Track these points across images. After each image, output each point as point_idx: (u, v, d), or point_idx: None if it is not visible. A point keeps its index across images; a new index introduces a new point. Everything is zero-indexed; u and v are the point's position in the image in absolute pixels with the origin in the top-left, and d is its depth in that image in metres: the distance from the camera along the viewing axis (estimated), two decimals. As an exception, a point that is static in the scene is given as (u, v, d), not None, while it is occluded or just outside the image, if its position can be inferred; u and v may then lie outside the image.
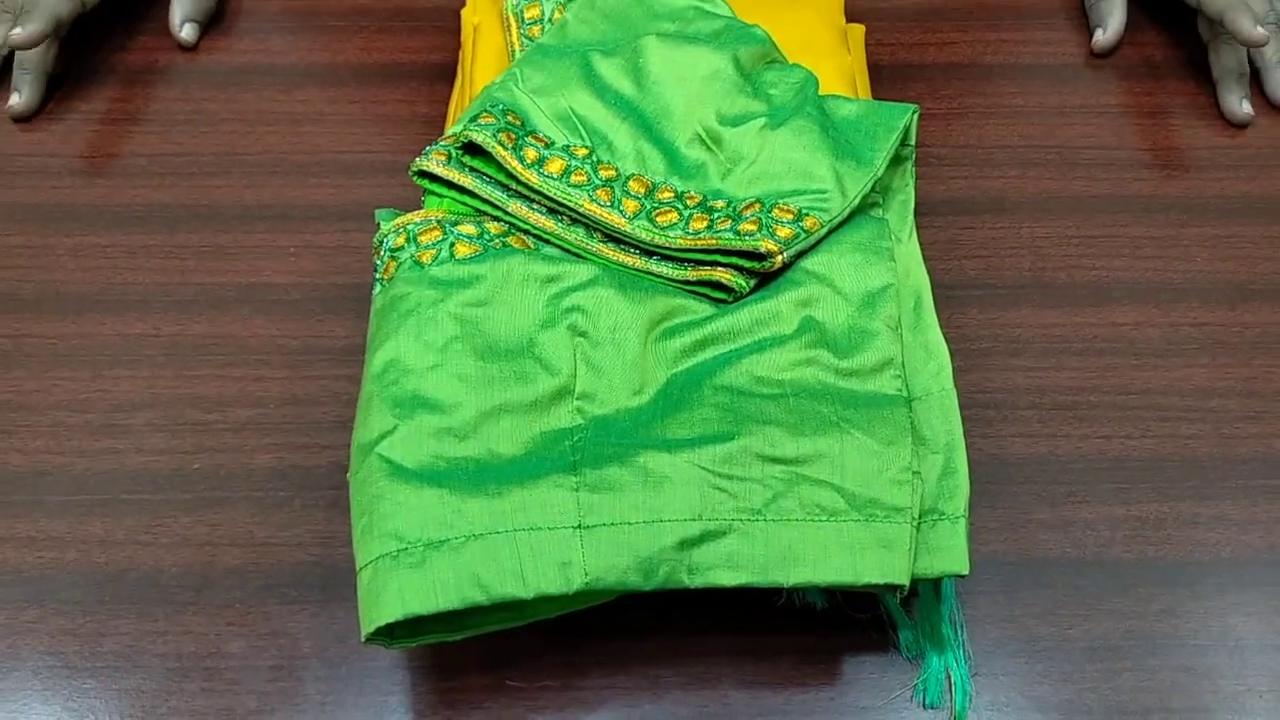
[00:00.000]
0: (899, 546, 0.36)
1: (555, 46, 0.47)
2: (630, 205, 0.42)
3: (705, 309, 0.41)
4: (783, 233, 0.41)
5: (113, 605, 0.41)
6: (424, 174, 0.43)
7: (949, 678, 0.39)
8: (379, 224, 0.42)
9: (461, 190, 0.43)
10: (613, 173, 0.43)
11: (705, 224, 0.42)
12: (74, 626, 0.40)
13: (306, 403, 0.45)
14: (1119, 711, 0.39)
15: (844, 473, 0.36)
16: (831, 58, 0.50)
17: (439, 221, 0.42)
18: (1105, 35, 0.56)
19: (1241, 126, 0.54)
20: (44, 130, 0.54)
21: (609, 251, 0.42)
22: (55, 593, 0.41)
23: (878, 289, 0.40)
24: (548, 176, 0.42)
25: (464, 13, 0.53)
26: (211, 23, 0.58)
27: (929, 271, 0.43)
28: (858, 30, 0.54)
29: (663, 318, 0.40)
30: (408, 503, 0.35)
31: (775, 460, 0.36)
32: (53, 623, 0.40)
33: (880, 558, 0.36)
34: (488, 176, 0.43)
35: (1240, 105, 0.54)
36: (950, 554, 0.37)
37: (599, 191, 0.42)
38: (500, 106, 0.44)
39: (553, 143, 0.44)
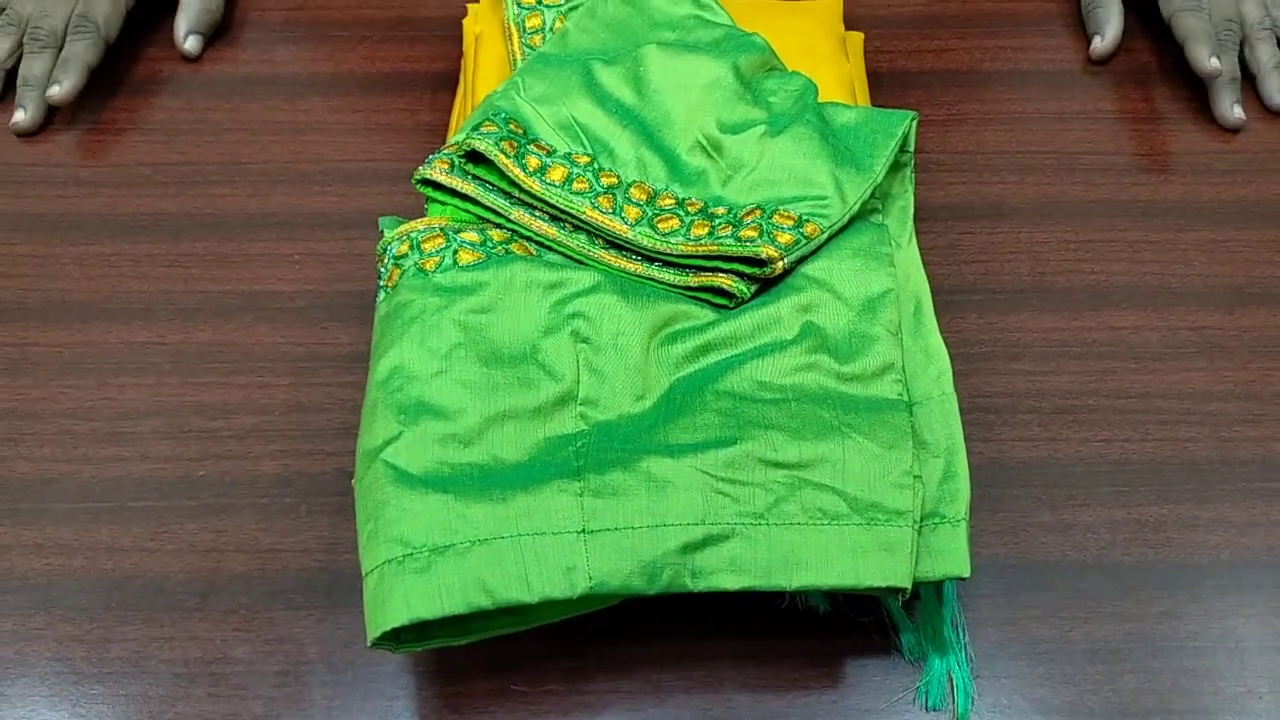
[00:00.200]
0: (901, 550, 0.36)
1: (557, 55, 0.48)
2: (632, 212, 0.43)
3: (707, 315, 0.41)
4: (783, 239, 0.41)
5: (119, 611, 0.41)
6: (427, 182, 0.44)
7: (951, 680, 0.39)
8: (383, 232, 0.43)
9: (464, 198, 0.43)
10: (614, 180, 0.44)
11: (706, 230, 0.42)
12: (81, 633, 0.40)
13: (311, 409, 0.46)
14: (1120, 713, 0.39)
15: (846, 477, 0.37)
16: (831, 65, 0.50)
17: (442, 229, 0.42)
18: (1103, 42, 0.57)
19: (1234, 131, 0.54)
20: (49, 140, 0.55)
21: (611, 258, 0.42)
22: (62, 599, 0.41)
23: (878, 294, 0.40)
24: (550, 184, 0.43)
25: (466, 22, 0.54)
26: (215, 34, 0.58)
27: (929, 276, 0.44)
28: (856, 38, 0.55)
29: (665, 323, 0.41)
30: (413, 508, 0.36)
31: (777, 465, 0.37)
32: (60, 629, 0.40)
33: (882, 561, 0.36)
34: (490, 184, 0.43)
35: (1232, 110, 0.54)
36: (951, 557, 0.37)
37: (601, 199, 0.43)
38: (502, 115, 0.44)
39: (555, 150, 0.44)
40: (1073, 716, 0.39)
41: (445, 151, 0.44)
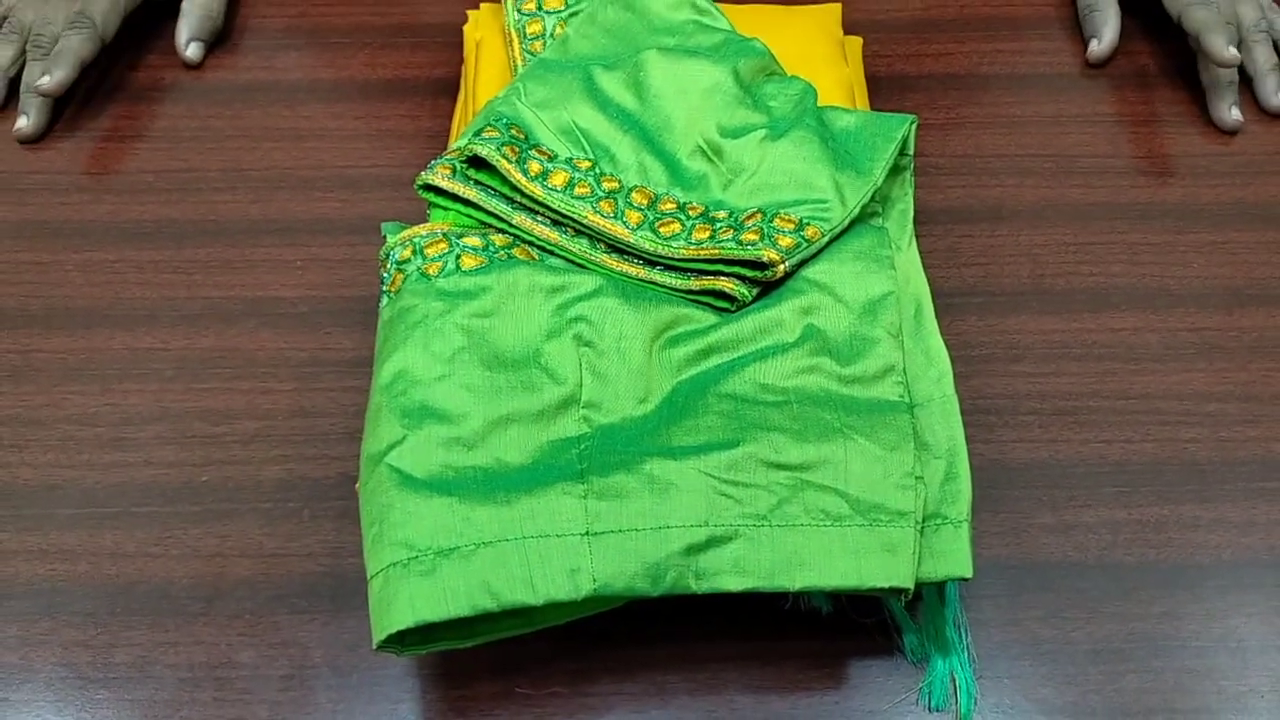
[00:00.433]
0: (903, 550, 0.36)
1: (557, 61, 0.48)
2: (633, 216, 0.43)
3: (709, 318, 0.41)
4: (784, 242, 0.41)
5: (124, 617, 0.41)
6: (429, 187, 0.44)
7: (954, 681, 0.39)
8: (385, 237, 0.43)
9: (466, 203, 0.44)
10: (615, 185, 0.44)
11: (708, 234, 0.42)
12: (86, 638, 0.41)
13: (314, 414, 0.46)
14: (1123, 713, 0.39)
15: (848, 478, 0.37)
16: (830, 70, 0.50)
17: (445, 234, 0.42)
18: (1100, 45, 0.57)
19: (1231, 133, 0.55)
20: (52, 148, 0.55)
21: (613, 262, 0.42)
22: (67, 605, 0.41)
23: (879, 297, 0.41)
24: (551, 189, 0.43)
25: (466, 29, 0.54)
26: (216, 41, 0.59)
27: (929, 279, 0.44)
28: (855, 42, 0.55)
29: (667, 327, 0.41)
30: (417, 511, 0.36)
31: (780, 466, 0.37)
32: (65, 634, 0.41)
33: (885, 562, 0.36)
34: (492, 189, 0.43)
35: (1230, 112, 0.54)
36: (954, 558, 0.37)
37: (602, 203, 0.43)
38: (504, 120, 0.45)
39: (556, 156, 0.44)
40: (1075, 717, 0.39)
41: (447, 157, 0.44)
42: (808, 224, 0.42)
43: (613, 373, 0.39)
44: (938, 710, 0.39)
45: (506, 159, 0.43)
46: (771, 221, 0.42)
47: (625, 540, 0.35)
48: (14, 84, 0.56)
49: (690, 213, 0.43)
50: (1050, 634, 0.40)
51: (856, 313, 0.40)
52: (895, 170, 0.46)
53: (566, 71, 0.47)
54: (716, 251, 0.41)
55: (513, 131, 0.44)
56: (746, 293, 0.41)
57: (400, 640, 0.35)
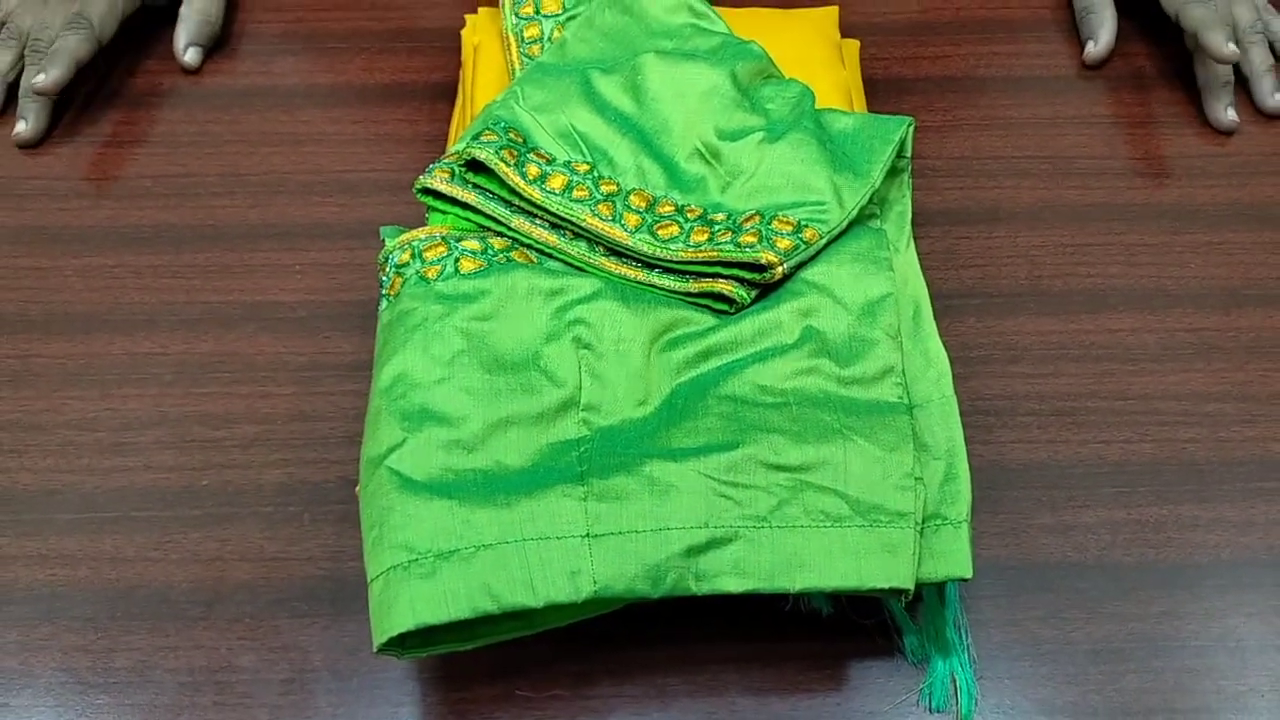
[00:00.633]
0: (903, 551, 0.36)
1: (555, 65, 0.48)
2: (631, 219, 0.43)
3: (707, 320, 0.41)
4: (782, 244, 0.41)
5: (124, 621, 0.41)
6: (428, 191, 0.44)
7: (954, 681, 0.39)
8: (384, 241, 0.43)
9: (465, 207, 0.44)
10: (614, 188, 0.44)
11: (706, 236, 0.42)
12: (86, 643, 0.40)
13: (314, 418, 0.46)
14: (1123, 713, 0.39)
15: (848, 479, 0.37)
16: (827, 72, 0.50)
17: (443, 238, 0.42)
18: (1096, 47, 0.57)
19: (1227, 134, 0.55)
20: (50, 153, 0.55)
21: (611, 265, 0.42)
22: (67, 609, 0.41)
23: (877, 298, 0.41)
24: (550, 192, 0.43)
25: (464, 33, 0.54)
26: (214, 46, 0.59)
27: (927, 281, 0.44)
28: (852, 45, 0.55)
29: (666, 329, 0.41)
30: (418, 514, 0.36)
31: (780, 468, 0.37)
32: (65, 639, 0.41)
33: (885, 562, 0.36)
34: (491, 193, 0.43)
35: (1225, 113, 0.54)
36: (953, 558, 0.37)
37: (601, 206, 0.43)
38: (502, 124, 0.45)
39: (554, 159, 0.44)
40: (1076, 717, 0.39)
41: (446, 161, 0.44)
42: (806, 226, 0.42)
43: (612, 375, 0.39)
44: (938, 711, 0.39)
45: (505, 162, 0.43)
46: (770, 224, 0.42)
47: (625, 542, 0.35)
48: (13, 90, 0.56)
49: (688, 215, 0.43)
50: (1050, 634, 0.41)
51: (855, 314, 0.40)
52: (893, 172, 0.46)
53: (564, 75, 0.47)
54: (715, 254, 0.41)
55: (511, 135, 0.44)
56: (745, 295, 0.41)
57: (401, 643, 0.36)
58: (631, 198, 0.44)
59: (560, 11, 0.51)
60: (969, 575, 0.37)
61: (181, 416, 0.46)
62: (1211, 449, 0.45)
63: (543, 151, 0.44)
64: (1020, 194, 0.53)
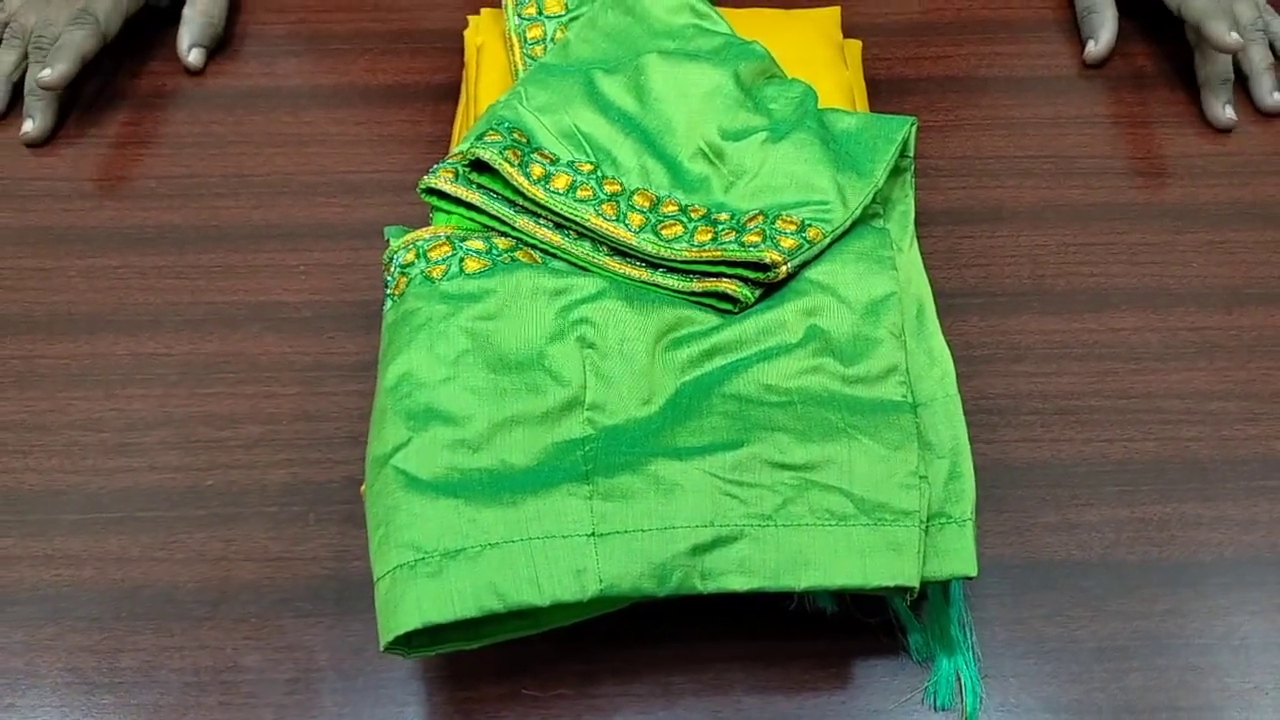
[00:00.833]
0: (908, 549, 0.36)
1: (558, 65, 0.48)
2: (635, 219, 0.43)
3: (711, 319, 0.41)
4: (786, 243, 0.41)
5: (130, 621, 0.41)
6: (432, 191, 0.44)
7: (959, 680, 0.39)
8: (389, 241, 0.43)
9: (469, 207, 0.44)
10: (618, 188, 0.44)
11: (710, 236, 0.42)
12: (91, 643, 0.41)
13: (318, 418, 0.46)
14: (1128, 711, 0.39)
15: (852, 478, 0.37)
16: (830, 73, 0.50)
17: (448, 238, 0.42)
18: (1097, 46, 0.57)
19: (1225, 132, 0.55)
20: (55, 154, 0.55)
21: (615, 265, 0.43)
22: (72, 610, 0.41)
23: (881, 297, 0.41)
24: (554, 192, 0.43)
25: (466, 34, 0.54)
26: (218, 47, 0.59)
27: (930, 280, 0.44)
28: (855, 46, 0.55)
29: (670, 328, 0.41)
30: (424, 513, 0.36)
31: (784, 466, 0.37)
32: (70, 639, 0.41)
33: (889, 561, 0.36)
34: (495, 193, 0.44)
35: (1224, 111, 0.55)
36: (958, 556, 0.37)
37: (604, 206, 0.43)
38: (506, 124, 0.45)
39: (558, 159, 0.44)
40: (1080, 715, 0.39)
41: (450, 161, 0.44)
42: (809, 225, 0.42)
43: (616, 374, 0.39)
44: (943, 709, 0.39)
45: (509, 162, 0.43)
46: (773, 223, 0.42)
47: (631, 541, 0.36)
48: (18, 90, 0.56)
49: (692, 215, 0.43)
50: (1054, 632, 0.41)
51: (859, 313, 0.40)
52: (896, 172, 0.46)
53: (567, 75, 0.47)
54: (719, 253, 0.41)
55: (515, 135, 0.44)
56: (749, 294, 0.41)
57: (407, 642, 0.36)
58: (635, 197, 0.44)
59: (563, 12, 0.51)
60: (974, 573, 0.37)
61: (186, 417, 0.46)
62: (1215, 447, 0.45)
63: (546, 152, 0.44)
64: (1023, 193, 0.53)
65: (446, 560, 0.35)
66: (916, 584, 0.36)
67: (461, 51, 0.55)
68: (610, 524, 0.36)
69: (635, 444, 0.38)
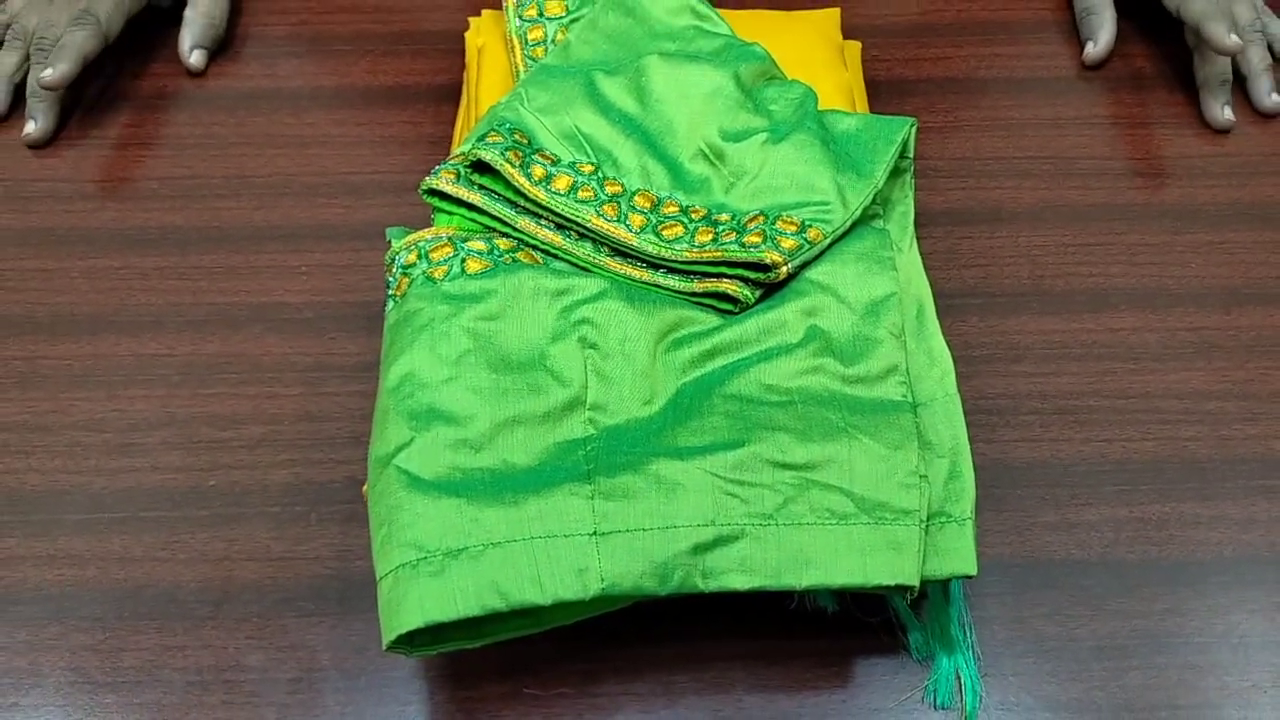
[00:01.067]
0: (908, 548, 0.36)
1: (559, 67, 0.48)
2: (636, 220, 0.43)
3: (712, 320, 0.41)
4: (787, 244, 0.41)
5: (132, 621, 0.41)
6: (434, 192, 0.44)
7: (959, 678, 0.39)
8: (390, 242, 0.43)
9: (471, 208, 0.44)
10: (618, 188, 0.44)
11: (710, 237, 0.42)
12: (94, 642, 0.41)
13: (320, 419, 0.46)
14: (1127, 709, 0.39)
15: (853, 477, 0.37)
16: (830, 74, 0.51)
17: (449, 239, 0.43)
18: (1096, 48, 0.57)
19: (1223, 132, 0.55)
20: (57, 156, 0.55)
21: (616, 265, 0.43)
22: (75, 609, 0.41)
23: (881, 298, 0.41)
24: (555, 193, 0.43)
25: (467, 35, 0.54)
26: (219, 49, 0.59)
27: (930, 280, 0.44)
28: (854, 47, 0.55)
29: (671, 329, 0.41)
30: (426, 513, 0.36)
31: (785, 466, 0.37)
32: (73, 639, 0.41)
33: (890, 559, 0.36)
34: (496, 194, 0.44)
35: (1222, 111, 0.55)
36: (958, 555, 0.37)
37: (605, 207, 0.43)
38: (507, 125, 0.45)
39: (559, 160, 0.45)
40: (1080, 713, 0.39)
41: (451, 162, 0.44)
42: (810, 226, 0.42)
43: (618, 375, 0.39)
44: (944, 708, 0.39)
45: (510, 163, 0.43)
46: (774, 224, 0.42)
47: (633, 540, 0.36)
48: (20, 92, 0.56)
49: (693, 216, 0.44)
50: (1054, 631, 0.41)
51: (859, 313, 0.41)
52: (895, 173, 0.47)
53: (568, 77, 0.47)
54: (719, 254, 0.42)
55: (516, 136, 0.44)
56: (749, 294, 0.41)
57: (410, 641, 0.36)
58: (636, 198, 0.44)
59: (564, 14, 0.51)
60: (973, 572, 0.37)
61: (188, 417, 0.46)
62: (1213, 447, 0.45)
63: (547, 153, 0.45)
64: (1022, 194, 0.53)
65: (449, 559, 0.35)
66: (916, 583, 0.36)
67: (462, 53, 0.55)
68: (612, 523, 0.36)
69: (637, 444, 0.38)
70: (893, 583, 0.36)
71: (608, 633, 0.39)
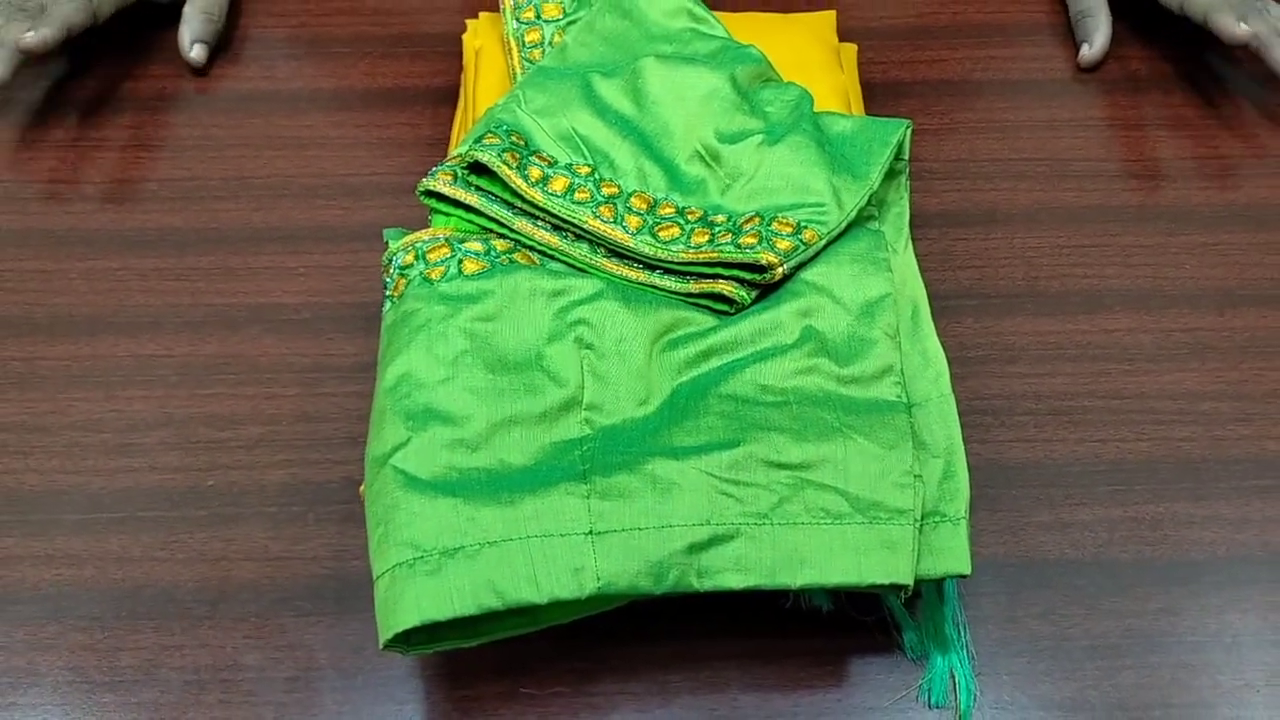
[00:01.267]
0: (902, 547, 0.36)
1: (556, 69, 0.49)
2: (633, 221, 0.43)
3: (708, 320, 0.42)
4: (782, 245, 0.42)
5: (130, 620, 0.41)
6: (431, 193, 0.44)
7: (953, 677, 0.40)
8: (388, 243, 0.43)
9: (468, 209, 0.44)
10: (615, 190, 0.44)
11: (706, 238, 0.43)
12: (92, 642, 0.41)
13: (318, 419, 0.46)
14: (1120, 708, 0.39)
15: (847, 477, 0.37)
16: (825, 76, 0.51)
17: (446, 240, 0.43)
18: (1091, 50, 0.58)
19: (1243, 45, 0.52)
20: (56, 157, 0.55)
21: (613, 266, 0.43)
22: (74, 609, 0.42)
23: (876, 298, 0.41)
24: (552, 194, 0.43)
25: (465, 38, 0.54)
26: (219, 50, 0.59)
27: (925, 282, 0.44)
28: (850, 49, 0.56)
29: (667, 329, 0.41)
30: (423, 512, 0.36)
31: (780, 466, 0.37)
32: (71, 638, 0.41)
33: (884, 559, 0.36)
34: (493, 195, 0.44)
35: (1239, 26, 0.52)
36: (952, 554, 0.38)
37: (602, 208, 0.44)
38: (504, 127, 0.45)
39: (556, 161, 0.45)
40: (1074, 712, 0.39)
41: (448, 164, 0.45)
42: (805, 227, 0.42)
43: (614, 375, 0.40)
44: (938, 706, 0.39)
45: (507, 165, 0.43)
46: (769, 225, 0.42)
47: (628, 539, 0.36)
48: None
49: (689, 217, 0.44)
50: (1048, 630, 0.41)
51: (854, 314, 0.41)
52: (891, 174, 0.47)
53: (565, 79, 0.47)
54: (715, 255, 0.42)
55: (513, 138, 0.45)
56: (745, 295, 0.41)
57: (406, 639, 0.36)
58: (633, 200, 0.44)
59: (561, 16, 0.51)
60: (967, 572, 0.38)
61: (186, 418, 0.46)
62: (1207, 447, 0.46)
63: (544, 154, 0.45)
64: (1017, 196, 0.54)
65: (445, 558, 0.35)
66: (911, 582, 0.36)
67: (460, 55, 0.55)
68: (608, 522, 0.36)
69: (632, 444, 0.38)
70: (887, 582, 0.36)
71: (604, 632, 0.39)
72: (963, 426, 0.40)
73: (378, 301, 0.48)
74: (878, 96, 0.56)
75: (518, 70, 0.50)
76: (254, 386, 0.47)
